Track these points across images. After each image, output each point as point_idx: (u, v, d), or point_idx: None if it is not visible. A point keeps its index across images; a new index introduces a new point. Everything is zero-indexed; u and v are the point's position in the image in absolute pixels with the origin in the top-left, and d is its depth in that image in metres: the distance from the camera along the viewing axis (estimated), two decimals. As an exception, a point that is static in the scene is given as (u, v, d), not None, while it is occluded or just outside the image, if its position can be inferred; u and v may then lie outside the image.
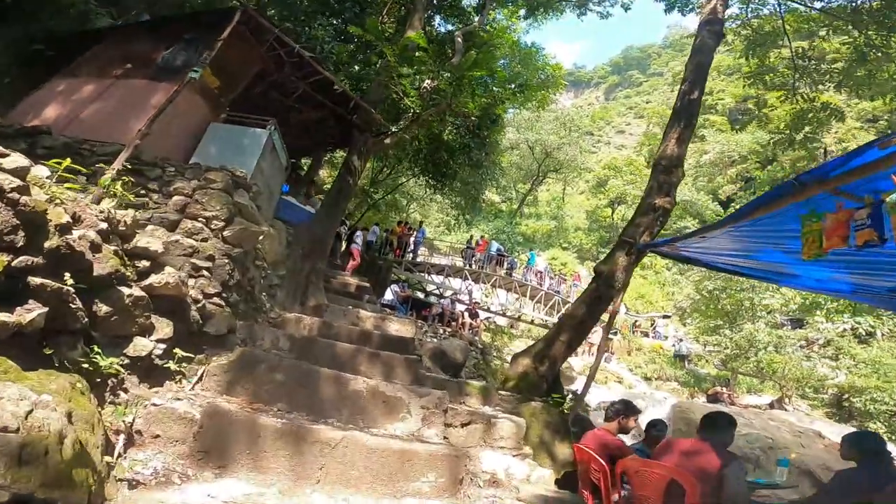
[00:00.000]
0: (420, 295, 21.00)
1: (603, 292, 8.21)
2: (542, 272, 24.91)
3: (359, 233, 16.32)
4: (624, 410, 5.12)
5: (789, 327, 22.55)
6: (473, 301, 18.05)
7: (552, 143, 43.66)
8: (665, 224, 8.80)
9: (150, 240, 3.40)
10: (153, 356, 3.46)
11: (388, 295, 14.36)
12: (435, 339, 12.55)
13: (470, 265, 23.48)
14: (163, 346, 3.49)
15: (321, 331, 7.45)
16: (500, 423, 4.75)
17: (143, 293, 3.29)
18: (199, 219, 5.09)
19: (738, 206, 37.06)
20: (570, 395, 11.28)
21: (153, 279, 3.38)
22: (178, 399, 3.49)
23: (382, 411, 4.26)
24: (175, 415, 3.28)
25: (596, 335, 23.62)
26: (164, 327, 3.49)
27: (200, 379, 3.87)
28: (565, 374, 18.93)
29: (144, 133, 5.35)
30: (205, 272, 4.71)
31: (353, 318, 8.76)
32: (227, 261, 5.06)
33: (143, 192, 5.26)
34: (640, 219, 8.50)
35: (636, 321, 29.29)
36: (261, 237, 5.91)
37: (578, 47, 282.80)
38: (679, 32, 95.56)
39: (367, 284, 13.69)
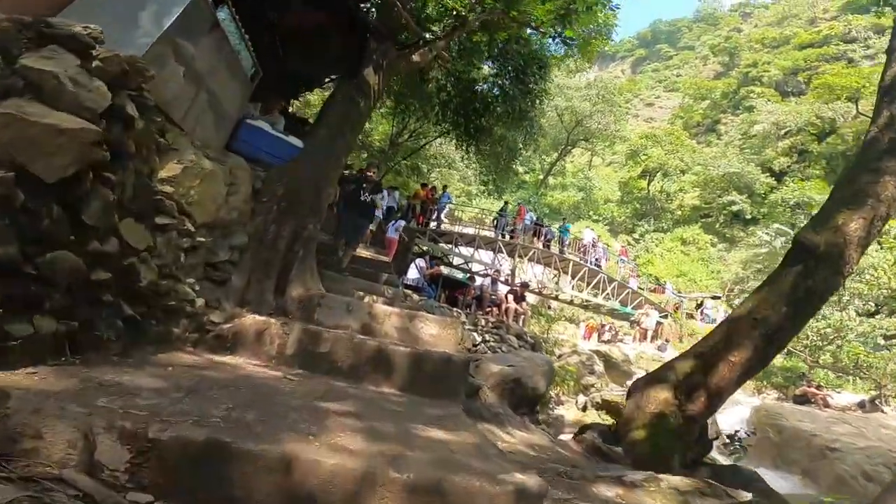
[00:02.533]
0: (447, 271, 17.48)
1: (820, 281, 4.46)
2: (587, 245, 20.97)
3: (399, 223, 12.78)
4: None
5: (883, 315, 18.55)
6: (521, 282, 14.30)
7: (583, 111, 39.28)
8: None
9: None
10: None
11: (413, 272, 10.73)
12: (478, 338, 8.95)
13: (503, 235, 19.70)
14: None
15: (301, 351, 3.93)
16: None
17: None
18: None
19: (793, 179, 32.80)
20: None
21: None
22: None
23: None
24: None
25: (650, 319, 20.00)
26: None
27: None
28: (620, 369, 15.31)
29: None
30: None
31: (362, 317, 5.14)
32: None
33: None
34: (886, 163, 4.67)
35: (679, 301, 25.27)
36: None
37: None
38: (711, 6, 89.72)
39: (386, 259, 10.09)
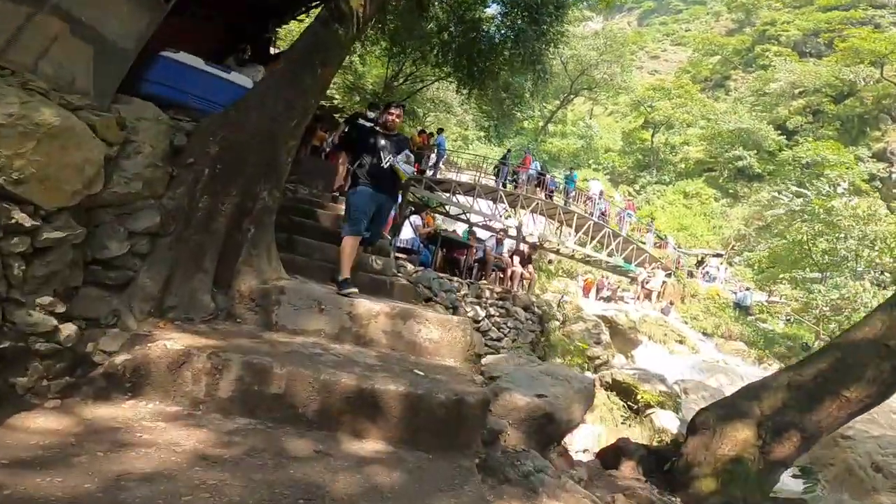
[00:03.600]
0: (442, 223, 15.98)
1: None
2: (592, 199, 19.33)
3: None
4: None
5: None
6: (529, 241, 12.79)
7: (589, 60, 36.61)
8: None
9: None
10: None
11: (406, 232, 9.22)
12: (482, 312, 7.64)
13: (504, 184, 18.06)
14: None
15: (241, 392, 2.66)
16: None
17: None
18: None
19: (805, 139, 30.97)
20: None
21: None
22: None
23: None
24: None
25: (655, 280, 18.77)
26: None
27: None
28: (625, 336, 14.19)
29: None
30: None
31: (340, 318, 3.77)
32: None
33: None
34: None
35: (679, 258, 23.77)
36: None
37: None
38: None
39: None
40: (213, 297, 3.36)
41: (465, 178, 19.30)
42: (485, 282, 9.21)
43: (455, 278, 7.88)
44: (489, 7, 14.87)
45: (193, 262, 3.21)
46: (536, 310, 9.44)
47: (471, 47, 13.71)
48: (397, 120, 4.56)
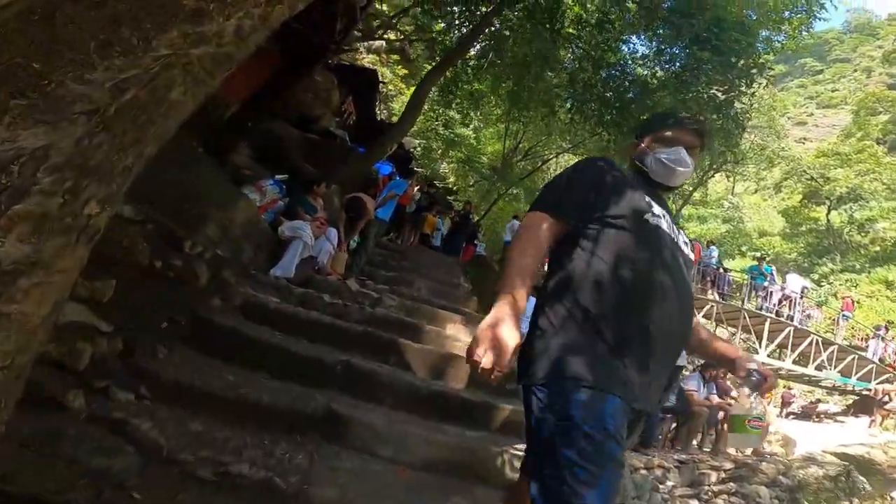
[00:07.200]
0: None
1: None
2: (792, 297, 14.15)
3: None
4: None
5: None
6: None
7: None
8: None
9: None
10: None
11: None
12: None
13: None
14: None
15: None
16: None
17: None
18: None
19: None
20: None
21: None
22: None
23: None
24: None
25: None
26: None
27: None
28: (886, 477, 9.10)
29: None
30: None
31: None
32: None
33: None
34: None
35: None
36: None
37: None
38: (864, 16, 77.34)
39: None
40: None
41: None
42: (705, 457, 5.27)
43: (650, 454, 4.14)
44: (636, 45, 12.08)
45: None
46: (784, 480, 5.32)
47: (618, 95, 10.77)
48: None
